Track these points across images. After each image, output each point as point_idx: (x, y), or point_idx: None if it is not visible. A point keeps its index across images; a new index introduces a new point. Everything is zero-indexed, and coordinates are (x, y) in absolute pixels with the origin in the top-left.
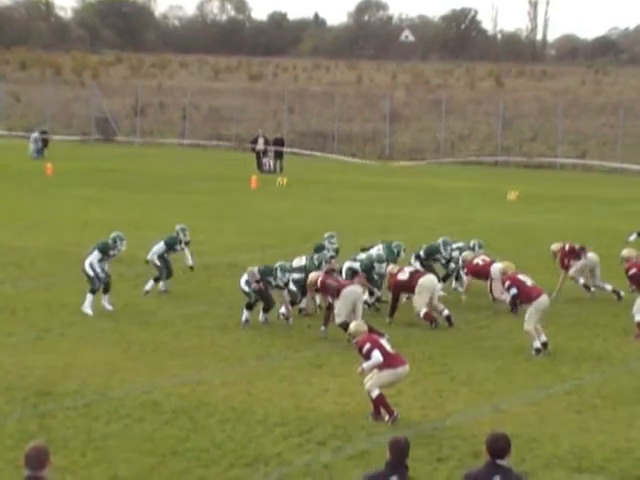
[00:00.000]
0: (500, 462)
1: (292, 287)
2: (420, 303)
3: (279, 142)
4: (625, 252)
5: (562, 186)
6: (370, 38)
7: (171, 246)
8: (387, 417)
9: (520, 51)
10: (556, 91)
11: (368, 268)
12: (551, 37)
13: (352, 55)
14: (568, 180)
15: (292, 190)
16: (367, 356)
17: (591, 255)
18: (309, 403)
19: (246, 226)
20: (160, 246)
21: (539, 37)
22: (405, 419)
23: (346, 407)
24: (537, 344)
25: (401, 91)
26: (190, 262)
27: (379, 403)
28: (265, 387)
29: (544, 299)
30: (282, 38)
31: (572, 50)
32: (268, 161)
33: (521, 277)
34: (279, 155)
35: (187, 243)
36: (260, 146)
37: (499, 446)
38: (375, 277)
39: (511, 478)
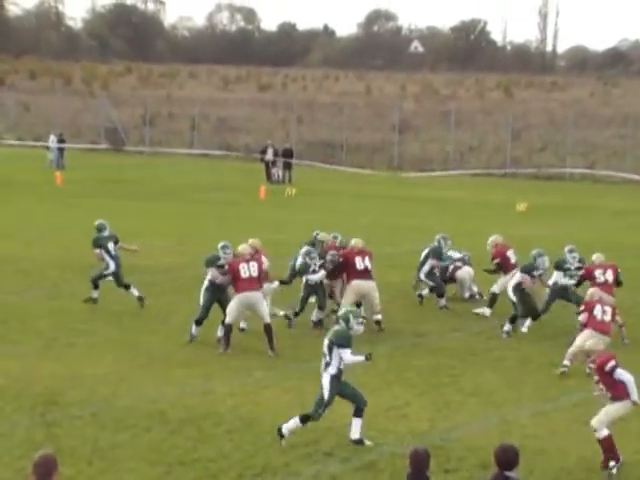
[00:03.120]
0: (508, 474)
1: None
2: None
3: (288, 152)
4: None
5: (571, 197)
6: (379, 49)
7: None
8: (611, 462)
9: (529, 62)
10: (565, 102)
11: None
12: (561, 48)
13: (361, 65)
14: (577, 191)
15: (301, 201)
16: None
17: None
18: None
19: (254, 236)
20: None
21: (549, 48)
22: (413, 430)
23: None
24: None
25: (410, 102)
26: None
27: (609, 445)
28: (272, 397)
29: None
30: (291, 48)
31: (582, 61)
32: (277, 171)
33: (508, 253)
34: (288, 165)
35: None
36: (269, 156)
37: (507, 458)
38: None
39: None
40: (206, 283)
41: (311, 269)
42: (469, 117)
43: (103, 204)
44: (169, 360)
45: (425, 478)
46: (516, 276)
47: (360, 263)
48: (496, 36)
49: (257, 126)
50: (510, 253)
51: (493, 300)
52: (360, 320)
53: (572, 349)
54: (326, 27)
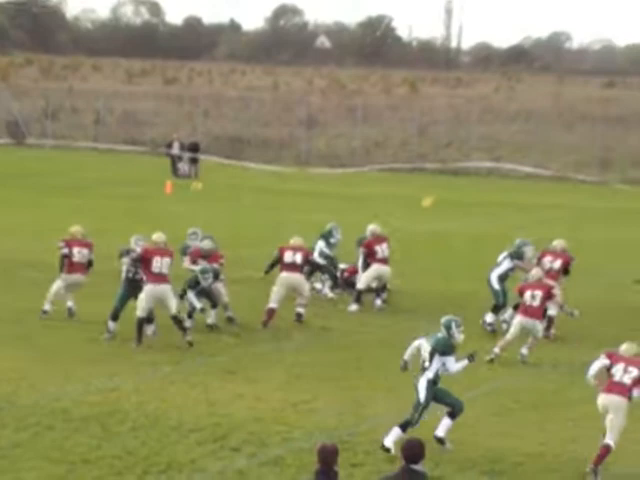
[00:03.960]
0: (414, 467)
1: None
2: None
3: (194, 147)
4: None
5: (477, 192)
6: (286, 43)
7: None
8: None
9: (435, 58)
10: (470, 98)
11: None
12: (465, 45)
13: (268, 60)
14: (483, 186)
15: (207, 195)
16: None
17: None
18: (224, 409)
19: (160, 231)
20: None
21: (453, 45)
22: (321, 425)
23: (261, 413)
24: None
25: (317, 96)
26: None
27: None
28: (179, 393)
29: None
30: (197, 42)
31: (486, 58)
32: (183, 166)
33: (377, 247)
34: (194, 160)
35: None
36: (175, 151)
37: (414, 452)
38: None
39: None
40: (123, 276)
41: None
42: (376, 112)
43: (1, 198)
44: (73, 357)
45: (334, 473)
46: (502, 265)
47: (290, 257)
48: (402, 32)
49: (163, 120)
50: (379, 247)
51: (359, 296)
52: (462, 328)
53: (507, 337)
54: (232, 21)
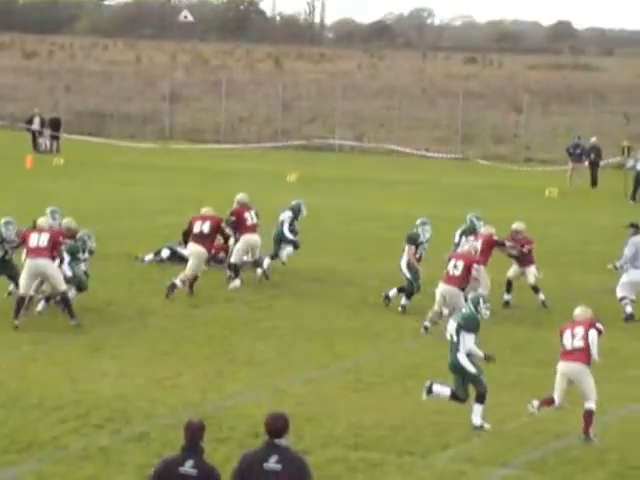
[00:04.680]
0: (278, 441)
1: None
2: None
3: (56, 122)
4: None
5: (341, 168)
6: (149, 18)
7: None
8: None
9: (298, 34)
10: (334, 74)
11: None
12: (329, 21)
13: (131, 34)
14: (347, 162)
15: (69, 171)
16: None
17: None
18: (87, 386)
19: (20, 207)
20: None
21: (317, 20)
22: (185, 401)
23: (125, 390)
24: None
25: (180, 71)
26: None
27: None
28: (41, 371)
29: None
30: (58, 16)
31: (349, 34)
32: (44, 141)
33: (246, 214)
34: (56, 135)
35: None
36: (36, 126)
37: (277, 425)
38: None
39: (288, 457)
40: None
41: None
42: (240, 88)
43: None
44: None
45: (200, 449)
46: (405, 250)
47: (198, 227)
48: (265, 7)
49: (23, 95)
50: (248, 214)
51: (236, 271)
52: (488, 305)
53: (434, 308)
54: None
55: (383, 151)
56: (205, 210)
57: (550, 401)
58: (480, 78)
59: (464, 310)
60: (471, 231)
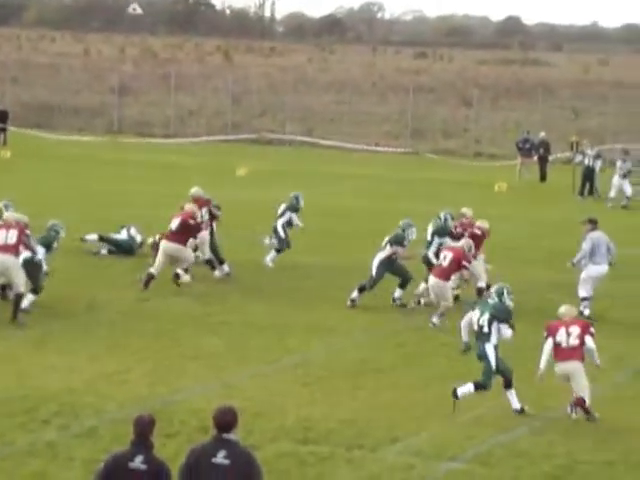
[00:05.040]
0: (226, 436)
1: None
2: None
3: (2, 114)
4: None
5: (291, 162)
6: (97, 10)
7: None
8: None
9: (248, 27)
10: (284, 68)
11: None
12: (279, 14)
13: (79, 27)
14: (297, 156)
15: (16, 164)
16: None
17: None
18: (35, 381)
19: None
20: None
21: (267, 14)
22: (134, 396)
23: (73, 384)
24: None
25: (129, 64)
26: None
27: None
28: None
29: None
30: (5, 7)
31: (299, 28)
32: None
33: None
34: (2, 128)
35: None
36: None
37: (226, 420)
38: None
39: (236, 452)
40: None
41: None
42: (189, 81)
43: None
44: None
45: (149, 444)
46: (386, 249)
47: (173, 224)
48: (215, 0)
49: None
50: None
51: (212, 264)
52: (512, 296)
53: (422, 284)
54: None
55: (333, 145)
56: (186, 206)
57: (582, 401)
58: (430, 73)
59: (490, 301)
60: (443, 230)
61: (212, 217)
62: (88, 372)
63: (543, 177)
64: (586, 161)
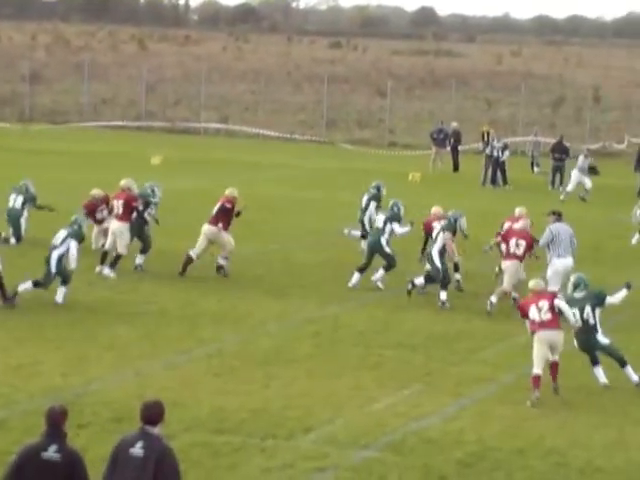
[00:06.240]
0: (148, 429)
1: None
2: None
3: None
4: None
5: (206, 151)
6: None
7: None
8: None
9: (163, 15)
10: (199, 56)
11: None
12: (193, 2)
13: None
14: (212, 145)
15: None
16: None
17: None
18: None
19: None
20: None
21: (181, 2)
22: (46, 387)
23: None
24: None
25: (41, 52)
26: None
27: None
28: None
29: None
30: None
31: (214, 16)
32: None
33: (114, 202)
34: None
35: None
36: None
37: (150, 413)
38: None
39: (152, 443)
40: None
41: None
42: (103, 69)
43: None
44: None
45: (62, 434)
46: (440, 237)
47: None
48: None
49: None
50: (116, 202)
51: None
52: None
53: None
54: None
55: (248, 134)
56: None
57: (537, 378)
58: (345, 63)
59: (578, 295)
60: (396, 218)
61: (146, 206)
62: None
63: (456, 167)
64: (494, 152)
